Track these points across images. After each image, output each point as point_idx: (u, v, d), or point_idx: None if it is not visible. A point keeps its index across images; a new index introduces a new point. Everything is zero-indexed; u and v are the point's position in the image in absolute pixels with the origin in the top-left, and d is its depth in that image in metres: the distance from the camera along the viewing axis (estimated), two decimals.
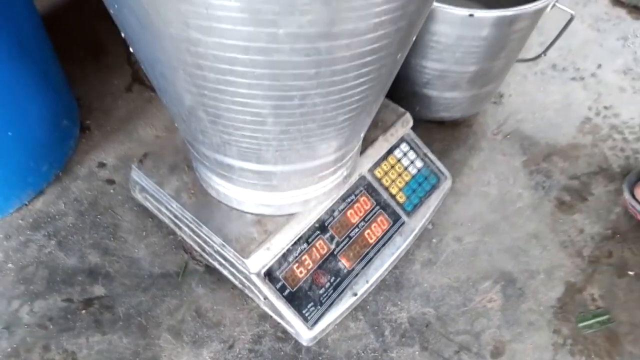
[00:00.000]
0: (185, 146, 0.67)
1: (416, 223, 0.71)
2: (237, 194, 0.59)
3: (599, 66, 0.99)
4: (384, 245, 0.68)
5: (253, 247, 0.58)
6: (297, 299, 0.61)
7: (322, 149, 0.52)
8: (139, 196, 0.72)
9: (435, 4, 0.65)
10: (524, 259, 0.74)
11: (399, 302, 0.69)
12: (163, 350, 0.63)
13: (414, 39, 0.45)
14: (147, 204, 0.72)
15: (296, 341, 0.64)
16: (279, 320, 0.63)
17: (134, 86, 0.91)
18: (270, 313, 0.64)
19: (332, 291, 0.63)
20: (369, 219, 0.68)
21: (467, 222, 0.77)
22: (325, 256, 0.63)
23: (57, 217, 0.74)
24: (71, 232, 0.73)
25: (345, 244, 0.65)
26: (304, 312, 0.61)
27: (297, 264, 0.61)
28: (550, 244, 0.76)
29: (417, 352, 0.65)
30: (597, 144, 0.88)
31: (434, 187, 0.74)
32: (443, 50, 0.71)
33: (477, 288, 0.71)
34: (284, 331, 0.65)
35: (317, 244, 0.63)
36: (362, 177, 0.69)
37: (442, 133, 0.87)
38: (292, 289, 0.61)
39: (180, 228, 0.68)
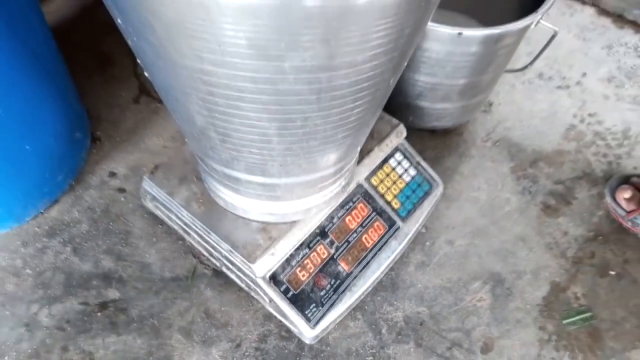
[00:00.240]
0: (194, 158, 0.71)
1: (410, 228, 0.76)
2: (244, 203, 0.63)
3: (584, 75, 1.04)
4: (380, 249, 0.72)
5: (259, 253, 0.63)
6: (300, 301, 0.65)
7: (322, 163, 0.56)
8: (149, 205, 0.76)
9: None
10: (511, 261, 0.79)
11: (395, 302, 0.74)
12: (175, 350, 0.68)
13: (405, 64, 0.50)
14: (157, 212, 0.76)
15: (299, 340, 0.69)
16: (283, 320, 0.68)
17: (141, 98, 0.95)
18: (275, 314, 0.68)
19: (332, 293, 0.67)
20: (366, 225, 0.72)
21: (458, 226, 0.82)
22: (326, 260, 0.68)
23: (71, 224, 0.78)
24: (85, 239, 0.77)
25: (344, 249, 0.70)
26: (306, 312, 0.65)
27: (299, 268, 0.66)
28: (536, 246, 0.81)
29: (412, 349, 0.70)
30: (581, 150, 0.92)
31: (426, 194, 0.79)
32: (434, 65, 0.76)
33: (468, 288, 0.76)
34: (288, 330, 0.69)
35: (318, 249, 0.68)
36: (360, 185, 0.73)
37: (434, 141, 0.92)
38: (295, 291, 0.65)
39: (189, 234, 0.72)
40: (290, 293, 0.65)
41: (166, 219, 0.76)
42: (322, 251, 0.68)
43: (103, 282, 0.73)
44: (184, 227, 0.71)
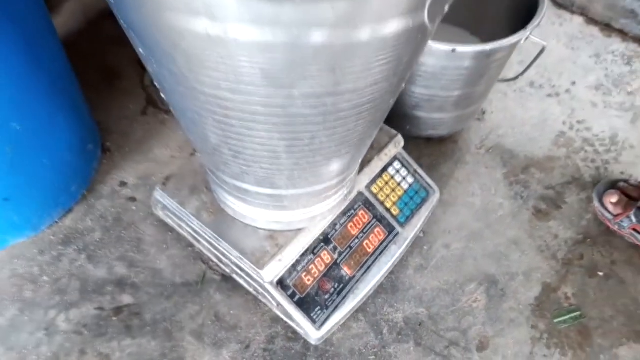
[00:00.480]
0: (203, 170, 0.75)
1: (409, 233, 0.80)
2: (252, 213, 0.67)
3: (573, 83, 1.08)
4: (381, 253, 0.76)
5: (267, 259, 0.67)
6: (305, 304, 0.69)
7: (327, 175, 0.60)
8: (160, 213, 0.80)
9: None
10: (505, 263, 0.83)
11: (395, 304, 0.78)
12: (187, 352, 0.72)
13: (404, 85, 0.54)
14: (168, 220, 0.80)
15: (305, 341, 0.73)
16: (289, 322, 0.72)
17: (149, 109, 0.99)
18: (282, 316, 0.72)
19: (336, 296, 0.71)
20: (367, 231, 0.76)
21: (455, 230, 0.86)
22: (330, 265, 0.72)
23: (85, 232, 0.82)
24: (99, 247, 0.81)
25: (347, 254, 0.74)
26: (312, 315, 0.69)
27: (305, 273, 0.70)
28: (529, 248, 0.85)
29: (412, 348, 0.74)
30: (570, 156, 0.97)
31: (424, 200, 0.83)
32: (430, 78, 0.80)
33: (464, 290, 0.80)
34: (294, 332, 0.73)
35: (322, 255, 0.72)
36: (360, 194, 0.77)
37: (431, 149, 0.96)
38: (301, 295, 0.69)
39: (199, 242, 0.76)
40: (297, 297, 0.69)
41: (176, 227, 0.79)
42: (326, 257, 0.72)
43: (117, 288, 0.77)
44: (194, 234, 0.75)
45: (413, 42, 0.43)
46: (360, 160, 0.67)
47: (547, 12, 0.77)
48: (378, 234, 0.77)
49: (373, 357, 0.73)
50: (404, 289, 0.79)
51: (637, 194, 0.83)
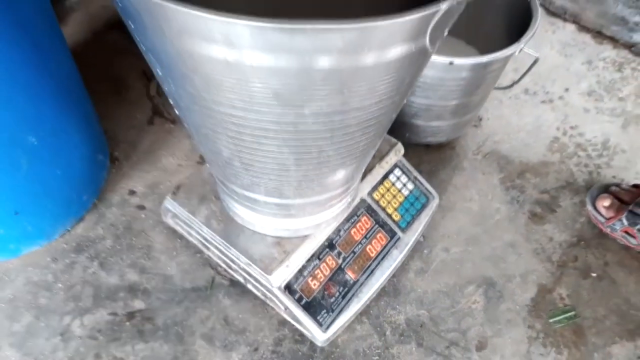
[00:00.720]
0: (212, 179, 0.78)
1: (410, 237, 0.83)
2: (260, 221, 0.70)
3: (567, 89, 1.12)
4: (383, 258, 0.79)
5: (275, 265, 0.70)
6: (312, 307, 0.72)
7: (332, 185, 0.63)
8: (170, 221, 0.83)
9: None
10: (502, 265, 0.86)
11: (397, 306, 0.81)
12: (198, 355, 0.75)
13: (405, 101, 0.57)
14: (178, 228, 0.83)
15: (312, 342, 0.76)
16: (296, 325, 0.75)
17: (155, 119, 1.02)
18: (289, 319, 0.75)
19: (341, 299, 0.74)
20: (369, 236, 0.79)
21: (453, 235, 0.89)
22: (334, 270, 0.75)
23: (96, 240, 0.85)
24: (110, 254, 0.83)
25: (351, 259, 0.77)
26: (318, 318, 0.72)
27: (311, 278, 0.73)
28: (525, 251, 0.88)
29: (414, 348, 0.77)
30: (564, 161, 1.00)
31: (423, 206, 0.86)
32: (428, 89, 0.83)
33: (463, 292, 0.83)
34: (301, 334, 0.76)
35: (327, 260, 0.75)
36: (363, 200, 0.80)
37: (430, 155, 0.99)
38: (308, 299, 0.72)
39: (208, 248, 0.79)
40: (304, 301, 0.72)
41: (186, 234, 0.82)
42: (330, 262, 0.75)
43: (129, 294, 0.79)
44: (204, 242, 0.78)
45: (415, 63, 0.46)
46: (363, 169, 0.71)
47: (540, 20, 0.80)
48: (380, 239, 0.80)
49: (377, 357, 0.76)
50: (405, 292, 0.82)
51: (628, 198, 0.86)
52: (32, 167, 0.71)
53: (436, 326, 0.79)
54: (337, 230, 0.76)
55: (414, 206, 0.85)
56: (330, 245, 0.75)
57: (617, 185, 0.90)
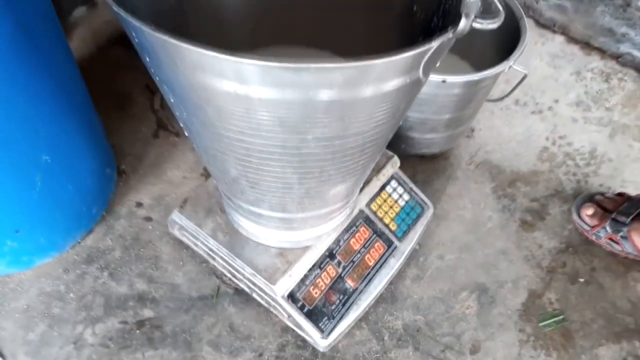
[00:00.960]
0: (217, 192, 0.82)
1: (406, 246, 0.87)
2: (264, 233, 0.74)
3: (556, 100, 1.16)
4: (381, 266, 0.83)
5: (278, 275, 0.74)
6: (314, 315, 0.76)
7: (332, 200, 0.67)
8: (177, 233, 0.86)
9: None
10: (494, 272, 0.90)
11: (395, 312, 0.85)
12: None
13: (400, 123, 0.61)
14: (184, 239, 0.86)
15: (314, 348, 0.79)
16: (299, 331, 0.78)
17: (160, 132, 1.05)
18: (292, 326, 0.79)
19: (341, 307, 0.78)
20: (368, 246, 0.83)
21: (448, 243, 0.93)
22: (335, 278, 0.79)
23: (106, 251, 0.88)
24: (119, 264, 0.87)
25: (350, 268, 0.80)
26: (320, 324, 0.76)
27: (312, 286, 0.77)
28: (516, 258, 0.92)
29: (411, 352, 0.81)
30: (553, 170, 1.04)
31: (419, 216, 0.90)
32: (422, 104, 0.87)
33: (457, 297, 0.87)
34: (303, 340, 0.80)
35: (327, 269, 0.78)
36: (361, 211, 0.84)
37: (424, 166, 1.03)
38: (310, 306, 0.76)
39: (214, 259, 0.83)
40: (306, 308, 0.75)
41: (192, 245, 0.86)
42: (331, 271, 0.79)
43: (138, 303, 0.83)
44: (210, 252, 0.82)
45: (409, 92, 0.50)
46: (362, 183, 0.74)
47: (530, 32, 0.84)
48: (378, 248, 0.84)
49: None
50: (402, 298, 0.86)
51: (611, 206, 0.91)
52: (46, 184, 0.75)
53: (432, 331, 0.83)
54: (337, 241, 0.80)
55: (409, 216, 0.89)
56: (330, 255, 0.79)
57: (602, 194, 0.95)
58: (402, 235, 0.87)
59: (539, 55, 1.25)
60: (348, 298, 0.79)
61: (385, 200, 0.87)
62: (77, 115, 0.79)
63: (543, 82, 1.19)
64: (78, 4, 1.17)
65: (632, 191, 0.99)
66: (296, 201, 0.64)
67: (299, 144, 0.50)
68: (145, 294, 0.84)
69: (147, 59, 0.48)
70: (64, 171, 0.78)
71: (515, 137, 1.09)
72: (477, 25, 0.45)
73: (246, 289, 0.82)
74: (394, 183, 0.89)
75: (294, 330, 0.80)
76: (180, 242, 0.89)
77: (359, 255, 0.82)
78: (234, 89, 0.43)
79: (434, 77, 0.80)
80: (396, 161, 0.89)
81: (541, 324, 0.85)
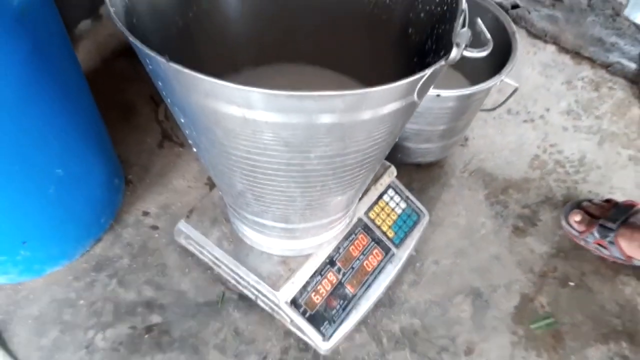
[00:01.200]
0: (222, 202, 0.85)
1: (403, 252, 0.91)
2: (268, 242, 0.77)
3: (547, 109, 1.20)
4: (379, 272, 0.87)
5: (281, 282, 0.77)
6: (315, 319, 0.79)
7: (333, 211, 0.71)
8: (183, 241, 0.90)
9: None
10: (488, 276, 0.94)
11: (392, 316, 0.88)
12: None
13: (397, 138, 0.65)
14: (190, 247, 0.90)
15: (315, 351, 0.83)
16: (301, 335, 0.82)
17: (165, 142, 1.09)
18: (295, 330, 0.83)
19: (341, 311, 0.82)
20: (366, 252, 0.87)
21: (443, 248, 0.97)
22: (335, 285, 0.82)
23: (114, 259, 0.92)
24: (128, 272, 0.90)
25: (350, 274, 0.84)
26: (321, 329, 0.79)
27: (314, 292, 0.80)
28: (508, 263, 0.96)
29: (408, 354, 0.85)
30: (544, 177, 1.08)
31: (415, 223, 0.93)
32: (418, 116, 0.91)
33: (452, 301, 0.91)
34: (305, 344, 0.84)
35: (328, 276, 0.82)
36: (360, 220, 0.88)
37: (420, 174, 1.07)
38: (312, 311, 0.79)
39: (219, 266, 0.86)
40: (308, 314, 0.79)
41: (197, 253, 0.89)
42: (331, 277, 0.82)
43: (147, 309, 0.86)
44: (215, 260, 0.85)
45: (405, 113, 0.54)
46: (360, 194, 0.78)
47: (522, 42, 0.88)
48: (376, 254, 0.87)
49: None
50: (399, 303, 0.90)
51: (598, 212, 0.94)
52: (58, 196, 0.78)
53: (428, 333, 0.87)
54: (337, 248, 0.84)
55: (406, 223, 0.92)
56: (331, 262, 0.83)
57: (589, 200, 0.99)
58: (399, 242, 0.91)
59: (531, 64, 1.29)
60: (348, 303, 0.83)
61: (382, 209, 0.91)
62: (87, 129, 0.82)
63: (535, 92, 1.23)
64: (83, 17, 1.21)
65: (619, 197, 1.04)
66: (299, 212, 0.68)
67: (302, 162, 0.54)
68: (153, 300, 0.87)
69: (160, 84, 0.52)
70: (76, 183, 0.81)
71: (507, 146, 1.13)
72: (467, 54, 0.48)
73: (250, 295, 0.86)
74: (391, 192, 0.93)
75: (296, 334, 0.84)
76: (186, 250, 0.92)
77: (358, 262, 0.85)
78: (242, 114, 0.46)
79: (429, 92, 0.84)
80: (393, 171, 0.92)
81: (533, 326, 0.89)
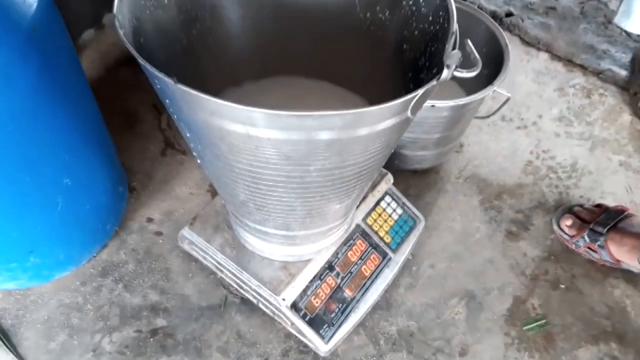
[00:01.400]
0: (224, 210, 0.88)
1: (400, 257, 0.93)
2: (269, 248, 0.80)
3: (540, 116, 1.23)
4: (376, 276, 0.90)
5: (282, 287, 0.80)
6: (315, 323, 0.82)
7: (331, 219, 0.74)
8: (186, 247, 0.93)
9: None
10: (481, 280, 0.97)
11: (390, 319, 0.91)
12: None
13: (393, 150, 0.68)
14: (193, 253, 0.93)
15: (315, 353, 0.86)
16: (301, 338, 0.85)
17: (167, 150, 1.12)
18: (295, 333, 0.86)
19: (340, 314, 0.85)
20: (364, 257, 0.90)
21: (438, 252, 1.00)
22: (334, 289, 0.85)
23: (120, 265, 0.94)
24: (133, 277, 0.93)
25: (348, 278, 0.87)
26: (320, 331, 0.82)
27: (314, 296, 0.83)
28: (502, 266, 0.99)
29: (405, 356, 0.88)
30: (537, 183, 1.11)
31: (411, 228, 0.96)
32: (414, 125, 0.94)
33: (447, 304, 0.94)
34: (305, 346, 0.87)
35: (327, 280, 0.85)
36: (358, 226, 0.91)
37: (416, 180, 1.10)
38: (311, 315, 0.82)
39: (222, 271, 0.89)
40: (308, 317, 0.82)
41: (201, 258, 0.92)
42: (330, 282, 0.85)
43: (151, 313, 0.89)
44: (218, 265, 0.88)
45: (400, 128, 0.57)
46: (358, 202, 0.81)
47: (516, 50, 0.91)
48: (374, 259, 0.90)
49: None
50: (396, 305, 0.93)
51: (589, 217, 0.98)
52: (66, 205, 0.81)
53: (424, 335, 0.90)
54: (336, 254, 0.87)
55: (402, 229, 0.95)
56: (330, 267, 0.86)
57: (580, 205, 1.02)
58: (396, 246, 0.94)
59: (524, 72, 1.32)
60: (346, 306, 0.86)
61: (380, 215, 0.94)
62: (93, 139, 0.85)
63: (528, 98, 1.27)
64: (87, 27, 1.23)
65: (610, 202, 1.07)
66: (299, 221, 0.71)
67: (302, 174, 0.57)
68: (157, 304, 0.90)
69: (167, 102, 0.55)
70: (82, 192, 0.84)
71: (501, 152, 1.16)
72: (457, 74, 0.52)
73: (252, 299, 0.89)
74: (388, 198, 0.96)
75: (296, 337, 0.87)
76: (189, 255, 0.95)
77: (356, 266, 0.88)
78: (246, 131, 0.49)
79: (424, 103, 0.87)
80: (390, 178, 0.95)
81: (525, 328, 0.92)
